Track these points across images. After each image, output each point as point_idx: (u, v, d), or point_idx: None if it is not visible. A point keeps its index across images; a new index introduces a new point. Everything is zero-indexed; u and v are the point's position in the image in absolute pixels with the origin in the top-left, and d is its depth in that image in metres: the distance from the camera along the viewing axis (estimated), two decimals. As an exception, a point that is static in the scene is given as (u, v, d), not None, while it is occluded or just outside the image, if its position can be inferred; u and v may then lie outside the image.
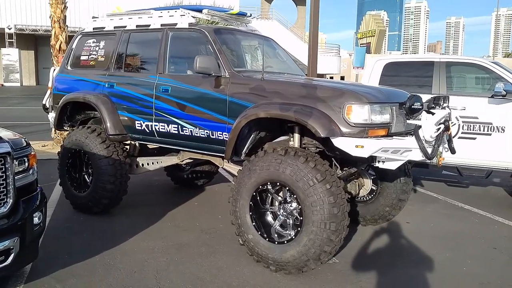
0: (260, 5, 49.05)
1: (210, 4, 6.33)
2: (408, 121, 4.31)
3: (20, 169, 3.59)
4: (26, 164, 3.66)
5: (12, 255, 3.37)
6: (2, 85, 35.70)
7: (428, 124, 4.17)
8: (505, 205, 6.93)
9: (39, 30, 34.57)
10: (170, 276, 4.13)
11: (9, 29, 35.00)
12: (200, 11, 5.63)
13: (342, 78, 43.20)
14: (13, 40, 35.52)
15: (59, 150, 6.25)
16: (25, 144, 3.72)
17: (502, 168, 6.59)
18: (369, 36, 75.79)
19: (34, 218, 3.60)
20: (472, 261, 4.73)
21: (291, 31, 43.42)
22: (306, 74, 7.44)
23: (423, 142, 4.11)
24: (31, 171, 3.71)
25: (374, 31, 78.88)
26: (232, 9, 6.15)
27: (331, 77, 40.10)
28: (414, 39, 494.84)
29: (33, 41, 39.27)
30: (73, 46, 6.48)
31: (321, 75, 31.76)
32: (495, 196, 7.60)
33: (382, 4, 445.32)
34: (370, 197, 5.58)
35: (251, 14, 6.26)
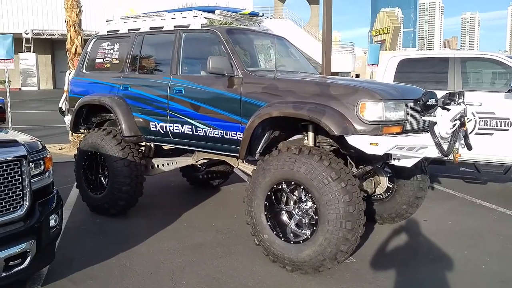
0: (274, 4, 49.01)
1: (224, 5, 6.33)
2: (423, 118, 4.26)
3: (36, 172, 3.62)
4: (42, 167, 3.68)
5: (29, 258, 3.40)
6: (20, 89, 36.21)
7: (443, 121, 4.11)
8: (524, 202, 6.81)
9: (55, 34, 35.01)
10: (186, 277, 4.14)
11: (26, 34, 35.50)
12: (212, 12, 5.64)
13: (357, 75, 42.94)
14: (30, 44, 36.02)
15: (76, 153, 6.31)
16: (41, 147, 3.75)
17: (521, 164, 6.48)
18: (383, 33, 75.33)
19: (50, 221, 3.63)
20: (491, 259, 4.66)
21: (305, 30, 43.34)
22: (320, 73, 7.40)
23: (439, 138, 4.05)
24: (47, 174, 3.74)
25: (389, 28, 78.35)
26: (245, 10, 6.14)
27: (357, 75, 39.72)
28: (429, 36, 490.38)
29: (50, 45, 39.79)
30: (88, 50, 6.53)
31: (336, 73, 31.62)
32: (515, 193, 7.48)
33: (396, 1, 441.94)
34: (386, 195, 5.53)
35: (263, 14, 6.25)
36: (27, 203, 3.45)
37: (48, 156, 3.77)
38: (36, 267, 3.68)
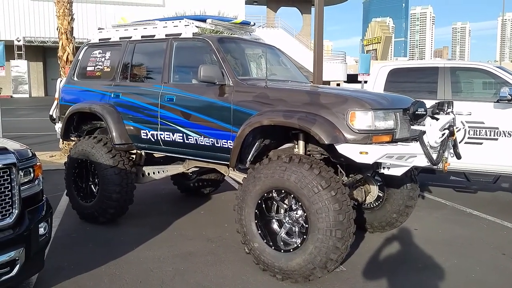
0: (266, 14, 49.23)
1: (216, 14, 6.36)
2: (412, 127, 4.30)
3: (26, 180, 3.60)
4: (32, 174, 3.67)
5: (18, 266, 3.37)
6: (11, 96, 35.97)
7: (432, 130, 4.15)
8: (514, 211, 6.86)
9: (47, 41, 34.89)
10: (176, 286, 4.12)
11: (18, 41, 35.30)
12: (204, 21, 5.67)
13: (337, 84, 42.74)
14: (22, 52, 35.84)
15: (66, 160, 6.28)
16: (30, 154, 3.73)
17: (510, 173, 6.53)
18: (375, 43, 75.88)
19: (39, 229, 3.61)
20: (480, 268, 4.68)
21: (297, 39, 43.51)
22: (311, 81, 7.44)
23: (428, 147, 4.09)
24: (36, 182, 3.72)
25: (380, 37, 79.09)
26: (236, 19, 6.18)
27: (365, 81, 39.54)
28: (420, 45, 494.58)
29: (41, 53, 39.63)
30: (79, 57, 6.53)
31: (327, 82, 31.77)
32: (504, 201, 7.53)
33: (387, 10, 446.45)
34: (377, 203, 5.54)
35: (254, 23, 6.28)
36: (16, 211, 3.43)
37: (37, 163, 3.76)
38: (25, 275, 3.66)
